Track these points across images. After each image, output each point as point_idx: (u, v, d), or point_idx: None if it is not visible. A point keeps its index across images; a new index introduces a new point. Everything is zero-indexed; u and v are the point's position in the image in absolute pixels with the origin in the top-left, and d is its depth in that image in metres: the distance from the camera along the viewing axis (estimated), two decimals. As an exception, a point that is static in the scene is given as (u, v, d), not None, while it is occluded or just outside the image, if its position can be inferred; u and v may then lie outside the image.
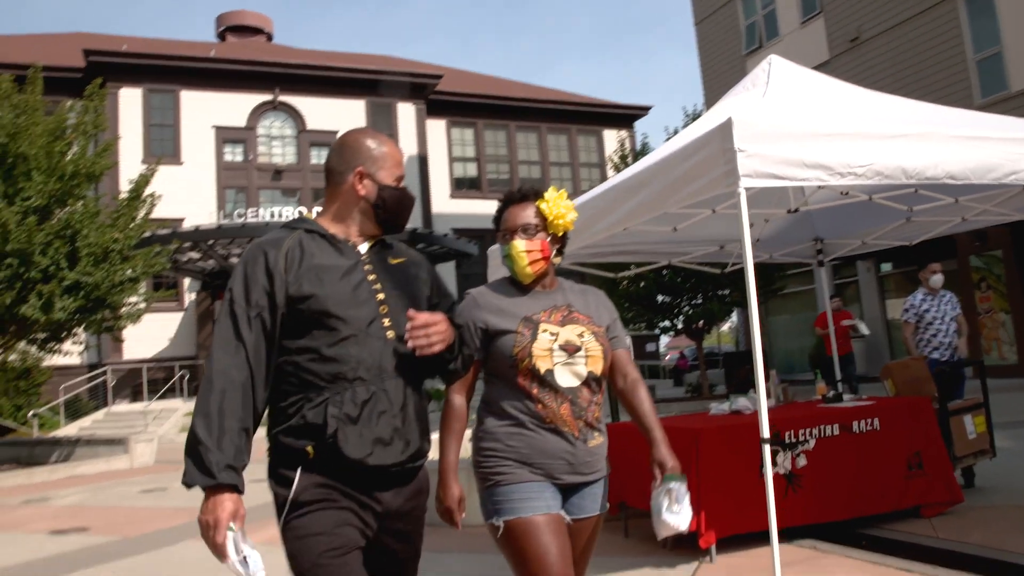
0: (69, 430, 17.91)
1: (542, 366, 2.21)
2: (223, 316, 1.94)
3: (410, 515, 2.07)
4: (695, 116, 17.88)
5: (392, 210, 2.11)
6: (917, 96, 16.79)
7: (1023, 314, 14.71)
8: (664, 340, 33.02)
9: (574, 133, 31.66)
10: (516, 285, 2.39)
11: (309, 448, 1.92)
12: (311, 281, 1.95)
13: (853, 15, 18.60)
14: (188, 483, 1.85)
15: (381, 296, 2.03)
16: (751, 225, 6.23)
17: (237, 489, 1.86)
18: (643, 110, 32.82)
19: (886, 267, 18.99)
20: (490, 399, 2.32)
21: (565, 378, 2.23)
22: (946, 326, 6.87)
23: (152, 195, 13.09)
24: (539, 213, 2.36)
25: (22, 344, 13.38)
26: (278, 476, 1.96)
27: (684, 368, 27.32)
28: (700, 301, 16.58)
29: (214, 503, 1.83)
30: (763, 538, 4.41)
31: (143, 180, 13.06)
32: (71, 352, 13.36)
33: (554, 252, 2.39)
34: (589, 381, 2.26)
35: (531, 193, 2.40)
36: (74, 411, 19.26)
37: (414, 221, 24.88)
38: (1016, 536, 4.44)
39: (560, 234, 2.39)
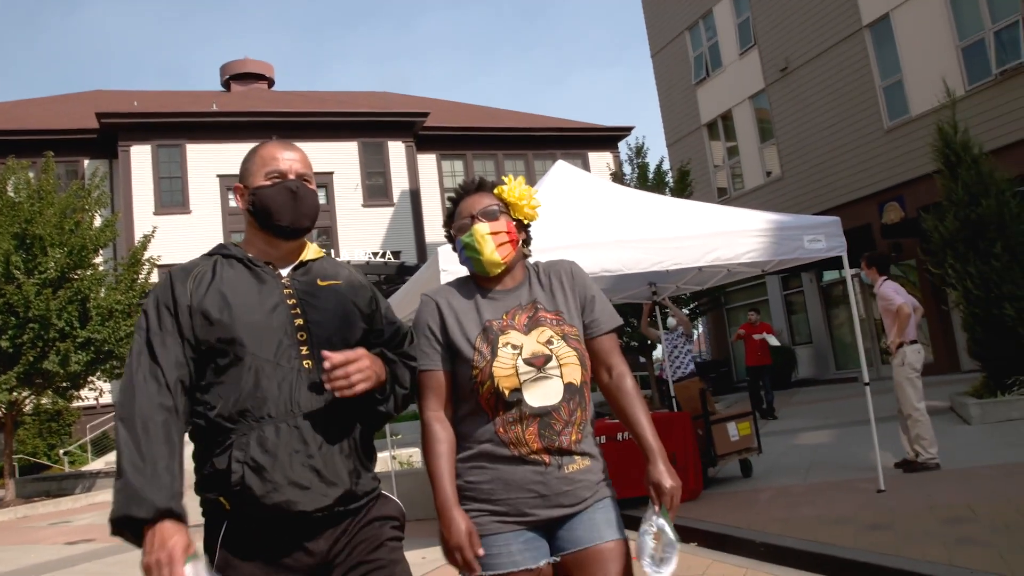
0: (96, 464, 20.09)
1: (507, 387, 1.91)
2: (137, 343, 1.77)
3: (366, 550, 1.83)
4: (638, 150, 19.58)
5: (265, 209, 1.89)
6: (839, 121, 18.53)
7: (935, 318, 16.24)
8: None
9: (560, 157, 33.45)
10: (475, 286, 2.09)
11: (223, 500, 1.74)
12: (216, 306, 1.78)
13: (782, 46, 20.31)
14: (120, 518, 1.60)
15: (300, 322, 1.83)
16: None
17: (182, 519, 1.63)
18: (626, 131, 34.52)
19: (830, 276, 20.50)
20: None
21: (537, 397, 1.91)
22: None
23: (151, 259, 15.23)
24: (499, 199, 2.10)
25: (48, 392, 15.56)
26: (205, 537, 1.77)
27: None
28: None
29: (160, 537, 1.59)
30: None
31: (139, 248, 15.21)
32: (87, 398, 15.49)
33: (520, 241, 2.09)
34: (567, 396, 1.93)
35: (487, 183, 2.14)
36: (101, 447, 21.44)
37: (408, 255, 26.90)
38: (723, 512, 6.23)
39: (525, 222, 2.13)
